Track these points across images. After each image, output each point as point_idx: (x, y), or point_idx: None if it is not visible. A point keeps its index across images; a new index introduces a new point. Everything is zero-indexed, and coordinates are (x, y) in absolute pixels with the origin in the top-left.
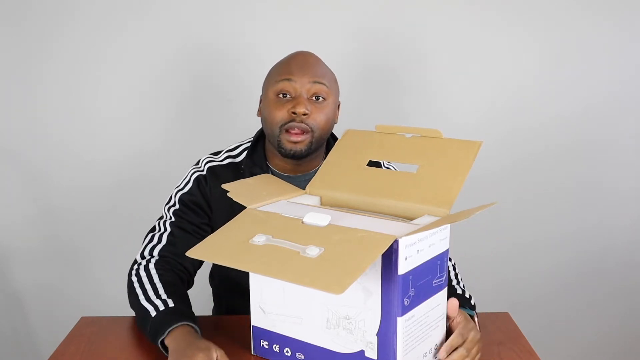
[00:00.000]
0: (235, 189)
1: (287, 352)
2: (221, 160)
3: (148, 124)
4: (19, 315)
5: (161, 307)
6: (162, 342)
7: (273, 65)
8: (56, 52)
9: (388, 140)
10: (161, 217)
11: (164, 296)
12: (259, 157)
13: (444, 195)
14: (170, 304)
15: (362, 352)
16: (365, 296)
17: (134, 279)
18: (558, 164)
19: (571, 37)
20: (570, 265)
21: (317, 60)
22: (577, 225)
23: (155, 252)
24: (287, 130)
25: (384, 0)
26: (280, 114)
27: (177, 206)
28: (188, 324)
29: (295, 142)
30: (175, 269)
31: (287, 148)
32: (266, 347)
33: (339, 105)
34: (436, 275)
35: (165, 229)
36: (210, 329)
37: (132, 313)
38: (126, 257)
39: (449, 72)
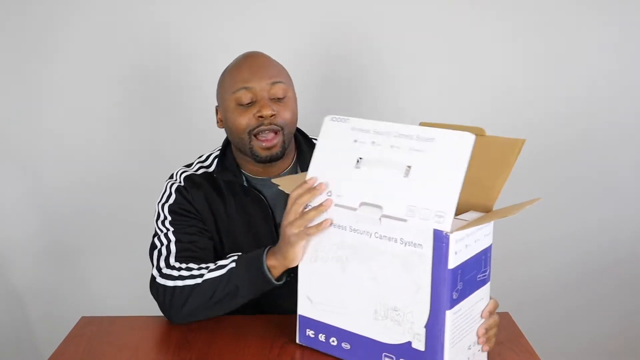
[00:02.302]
0: (286, 184)
1: (332, 341)
2: (195, 170)
3: (147, 125)
4: (19, 315)
5: (232, 259)
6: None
7: (224, 71)
8: (55, 54)
9: None
10: (156, 234)
11: (220, 261)
12: (230, 163)
13: (487, 192)
14: (234, 256)
15: (409, 343)
16: (414, 289)
17: (170, 283)
18: (558, 163)
19: (572, 35)
20: (571, 265)
21: (268, 60)
22: (578, 225)
23: (172, 261)
24: (256, 136)
25: None
26: (246, 121)
27: (169, 217)
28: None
29: (269, 148)
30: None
31: (262, 155)
32: (312, 336)
33: None
34: (480, 269)
35: (169, 240)
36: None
37: (132, 313)
38: (126, 257)
39: (446, 70)
